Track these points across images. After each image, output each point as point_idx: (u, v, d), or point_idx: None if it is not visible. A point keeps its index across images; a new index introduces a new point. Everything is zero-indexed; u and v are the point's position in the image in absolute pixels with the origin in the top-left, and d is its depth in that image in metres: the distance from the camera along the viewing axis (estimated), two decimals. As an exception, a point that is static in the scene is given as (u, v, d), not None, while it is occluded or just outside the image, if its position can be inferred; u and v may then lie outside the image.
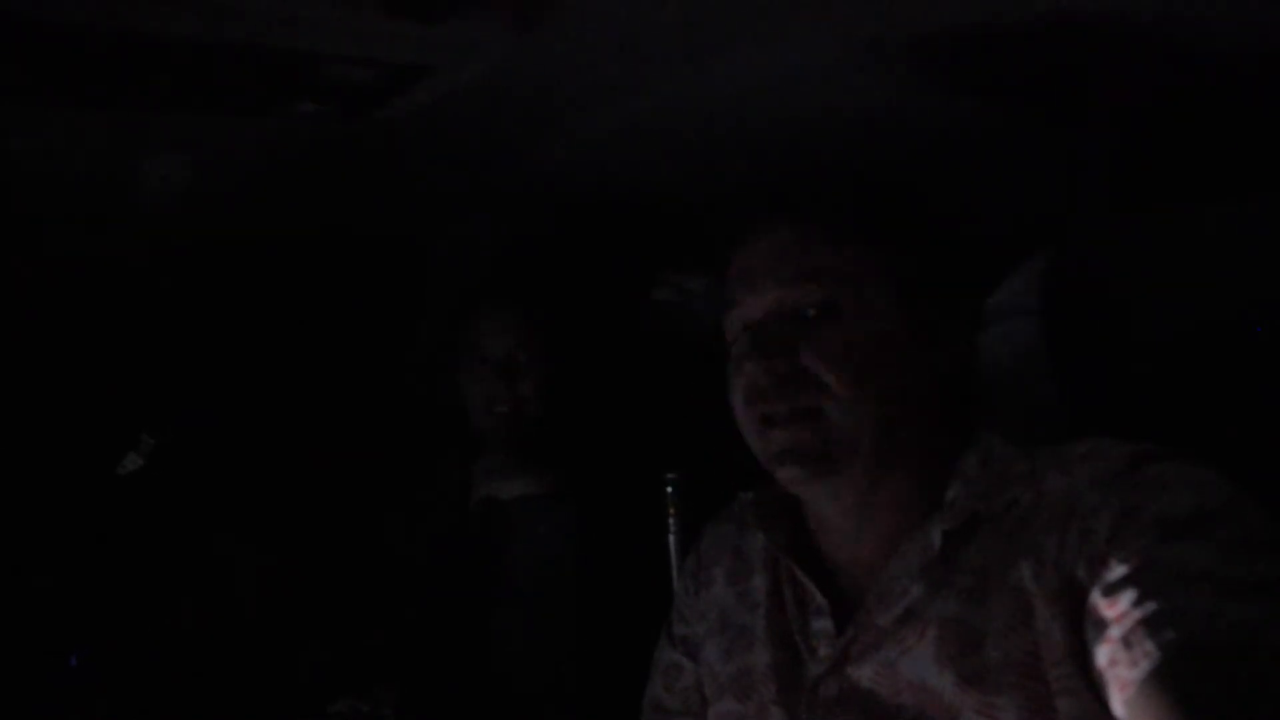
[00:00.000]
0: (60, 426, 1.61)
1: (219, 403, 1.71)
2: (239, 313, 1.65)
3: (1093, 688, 0.69)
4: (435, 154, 1.22)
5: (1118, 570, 0.68)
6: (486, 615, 1.44)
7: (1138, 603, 0.65)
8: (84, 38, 0.80)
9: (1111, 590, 0.68)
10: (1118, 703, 0.64)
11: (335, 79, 0.93)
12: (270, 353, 1.72)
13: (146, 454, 1.67)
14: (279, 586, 1.68)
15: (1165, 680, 0.61)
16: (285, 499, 1.73)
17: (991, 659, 0.75)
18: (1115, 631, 0.66)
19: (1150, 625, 0.64)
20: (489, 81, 0.98)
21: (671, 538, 1.53)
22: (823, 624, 0.87)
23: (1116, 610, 0.67)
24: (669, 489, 1.53)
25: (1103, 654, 0.67)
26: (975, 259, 0.93)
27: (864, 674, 0.82)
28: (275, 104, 1.00)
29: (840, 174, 0.93)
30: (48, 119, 0.99)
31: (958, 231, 0.91)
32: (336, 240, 1.55)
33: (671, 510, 1.53)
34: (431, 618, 1.47)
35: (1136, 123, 1.11)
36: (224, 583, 1.68)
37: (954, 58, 0.98)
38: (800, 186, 0.92)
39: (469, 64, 0.93)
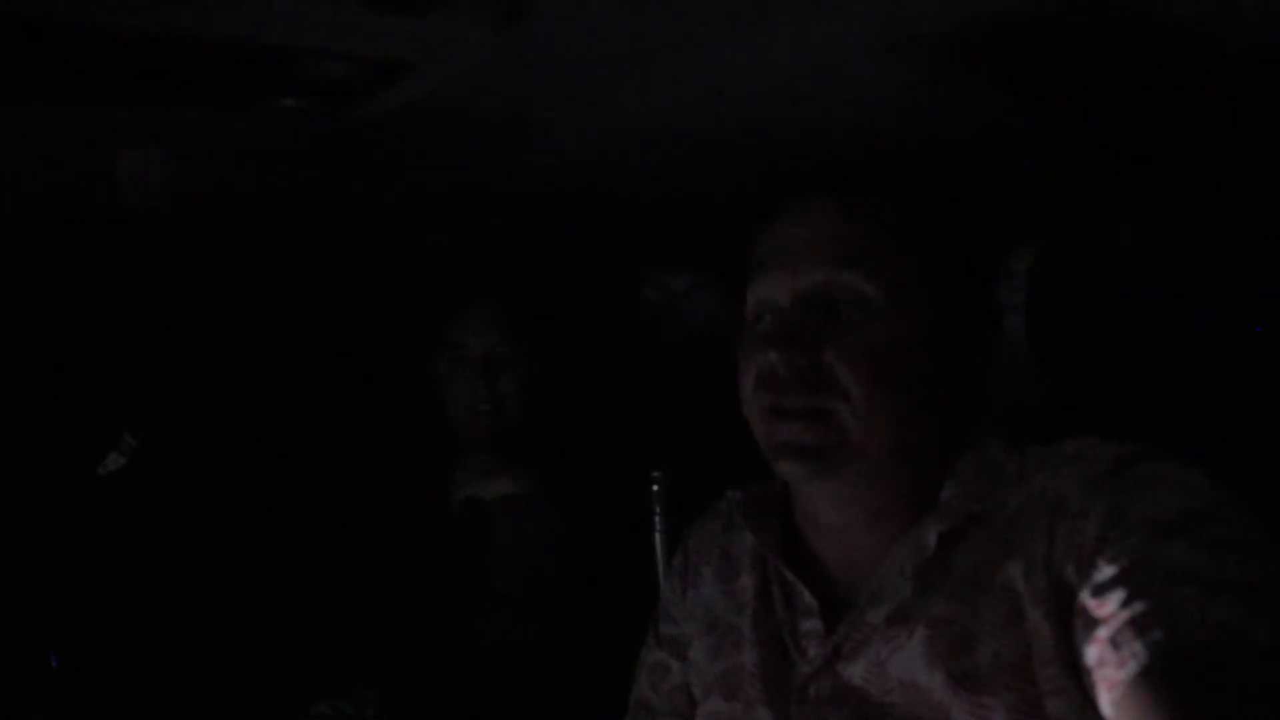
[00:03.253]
0: (40, 426, 1.59)
1: (200, 402, 1.70)
2: (219, 311, 1.63)
3: (1082, 688, 0.69)
4: (417, 150, 1.21)
5: (1106, 571, 0.68)
6: (470, 616, 1.44)
7: (1126, 603, 0.65)
8: (61, 31, 0.79)
9: (1100, 591, 0.68)
10: (1106, 703, 0.64)
11: (316, 74, 0.92)
12: (251, 351, 1.70)
13: (128, 453, 1.65)
14: (261, 587, 1.66)
15: (1152, 680, 0.61)
16: (267, 499, 1.72)
17: (982, 660, 0.74)
18: (1103, 632, 0.66)
19: (1138, 625, 0.64)
20: (472, 77, 0.97)
21: (657, 536, 1.53)
22: (812, 624, 0.86)
23: (1105, 610, 0.67)
24: (654, 487, 1.53)
25: (1091, 654, 0.67)
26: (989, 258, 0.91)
27: (855, 672, 0.81)
28: (256, 99, 0.99)
29: (885, 164, 0.90)
30: (22, 114, 0.97)
31: (985, 235, 0.89)
32: (317, 238, 1.54)
33: (657, 509, 1.53)
34: (414, 618, 1.46)
35: (1126, 119, 1.11)
36: (205, 583, 1.67)
37: (942, 53, 0.97)
38: (845, 170, 0.88)
39: (451, 59, 0.92)
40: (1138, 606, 0.64)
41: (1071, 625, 0.70)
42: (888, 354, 0.81)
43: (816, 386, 0.81)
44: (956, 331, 0.85)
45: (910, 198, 0.86)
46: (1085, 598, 0.69)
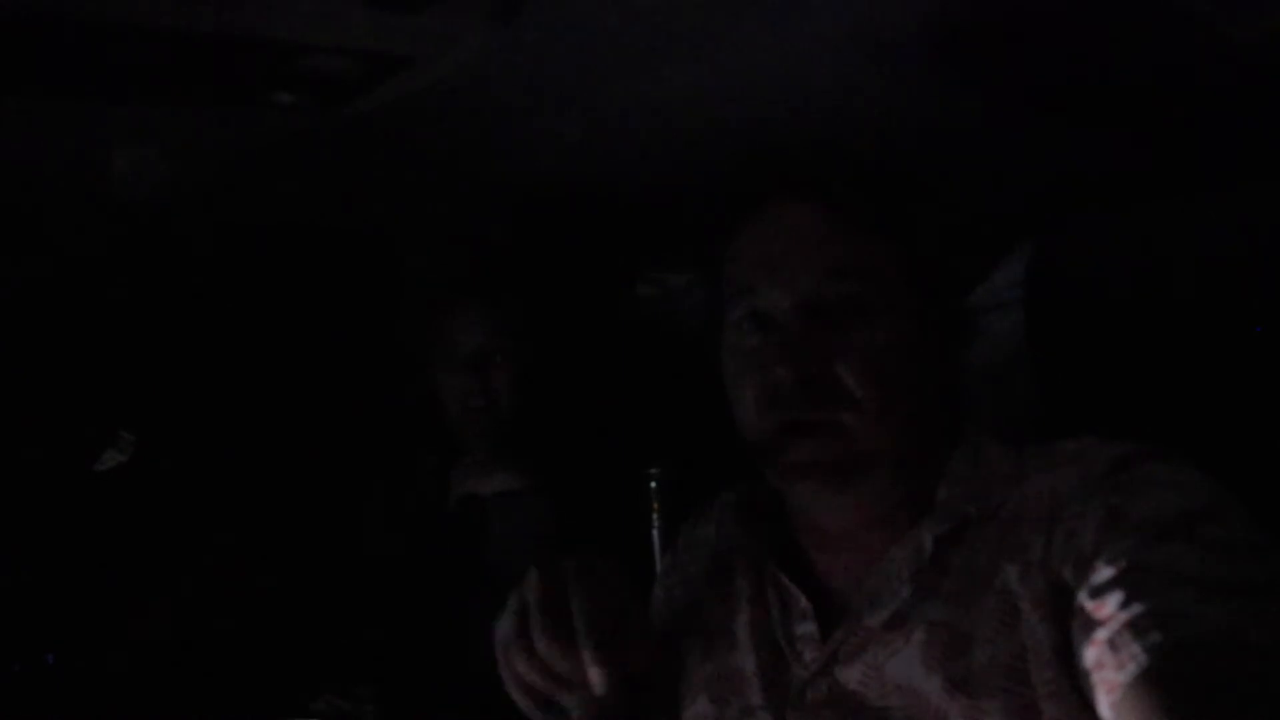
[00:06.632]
0: (36, 423, 1.59)
1: (197, 399, 1.70)
2: (215, 308, 1.63)
3: (1079, 691, 0.68)
4: (414, 146, 1.20)
5: (1104, 572, 0.68)
6: (467, 612, 1.43)
7: (1124, 605, 0.65)
8: (53, 26, 0.78)
9: (1098, 592, 0.68)
10: (1104, 705, 0.64)
11: (312, 69, 0.92)
12: (248, 348, 1.70)
13: (125, 451, 1.65)
14: (260, 585, 1.66)
15: (1152, 683, 0.61)
16: (265, 497, 1.72)
17: (978, 663, 0.74)
18: (1102, 634, 0.66)
19: (1136, 627, 0.63)
20: (469, 72, 0.96)
21: (655, 533, 1.53)
22: (807, 628, 0.86)
23: (1103, 613, 0.66)
24: (653, 484, 1.53)
25: (1089, 656, 0.67)
26: (968, 254, 0.91)
27: (852, 676, 0.81)
28: (252, 94, 0.98)
29: (861, 158, 0.88)
30: (15, 109, 0.97)
31: (964, 226, 0.88)
32: (314, 235, 1.53)
33: (655, 506, 1.53)
34: (412, 615, 1.46)
35: (1123, 118, 1.10)
36: (203, 581, 1.66)
37: (936, 50, 0.97)
38: (822, 165, 0.85)
39: (448, 55, 0.91)
40: (1136, 609, 0.64)
41: (1069, 627, 0.70)
42: (892, 357, 0.80)
43: (827, 399, 0.79)
44: (947, 327, 0.84)
45: (890, 195, 0.84)
46: (1083, 599, 0.69)
